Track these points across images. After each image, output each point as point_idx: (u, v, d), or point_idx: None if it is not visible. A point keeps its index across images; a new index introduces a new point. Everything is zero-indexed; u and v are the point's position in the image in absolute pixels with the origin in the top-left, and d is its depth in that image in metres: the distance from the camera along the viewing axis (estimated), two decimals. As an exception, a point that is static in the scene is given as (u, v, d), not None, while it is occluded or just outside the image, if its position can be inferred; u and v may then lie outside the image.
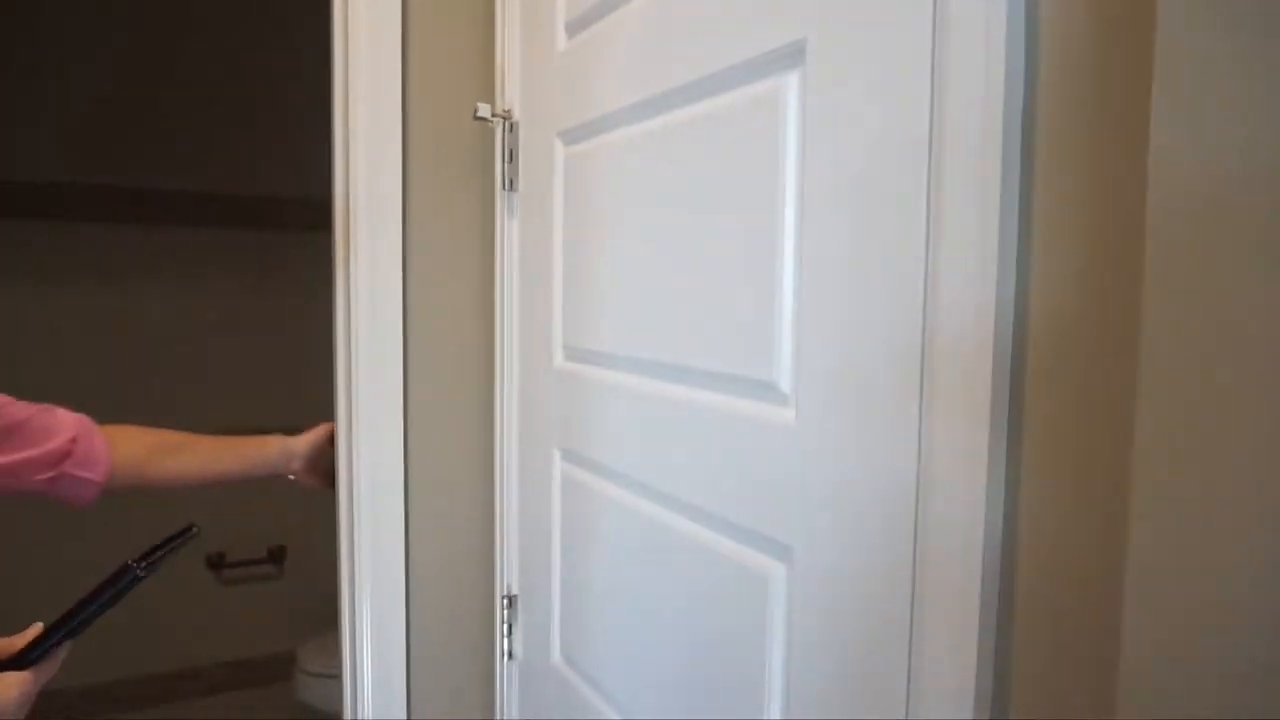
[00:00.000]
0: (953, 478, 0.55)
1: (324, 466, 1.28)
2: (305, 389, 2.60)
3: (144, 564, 0.80)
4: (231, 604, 2.57)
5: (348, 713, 1.29)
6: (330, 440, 1.27)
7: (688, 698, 0.85)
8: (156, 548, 0.84)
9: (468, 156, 1.22)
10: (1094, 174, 0.48)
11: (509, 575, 1.23)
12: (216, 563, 2.53)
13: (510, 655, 1.23)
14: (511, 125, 1.14)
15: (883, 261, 0.60)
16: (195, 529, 0.90)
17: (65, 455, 1.00)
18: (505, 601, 1.22)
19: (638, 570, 0.92)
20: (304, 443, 1.26)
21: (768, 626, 0.73)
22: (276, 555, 2.58)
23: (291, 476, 1.28)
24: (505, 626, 1.23)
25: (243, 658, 2.59)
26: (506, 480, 1.21)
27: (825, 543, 0.66)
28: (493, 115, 1.14)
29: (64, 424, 1.02)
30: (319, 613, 2.62)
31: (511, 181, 1.16)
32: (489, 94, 1.18)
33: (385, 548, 1.23)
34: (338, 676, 2.23)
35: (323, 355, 2.72)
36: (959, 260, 0.54)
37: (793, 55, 0.67)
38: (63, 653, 0.81)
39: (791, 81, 0.67)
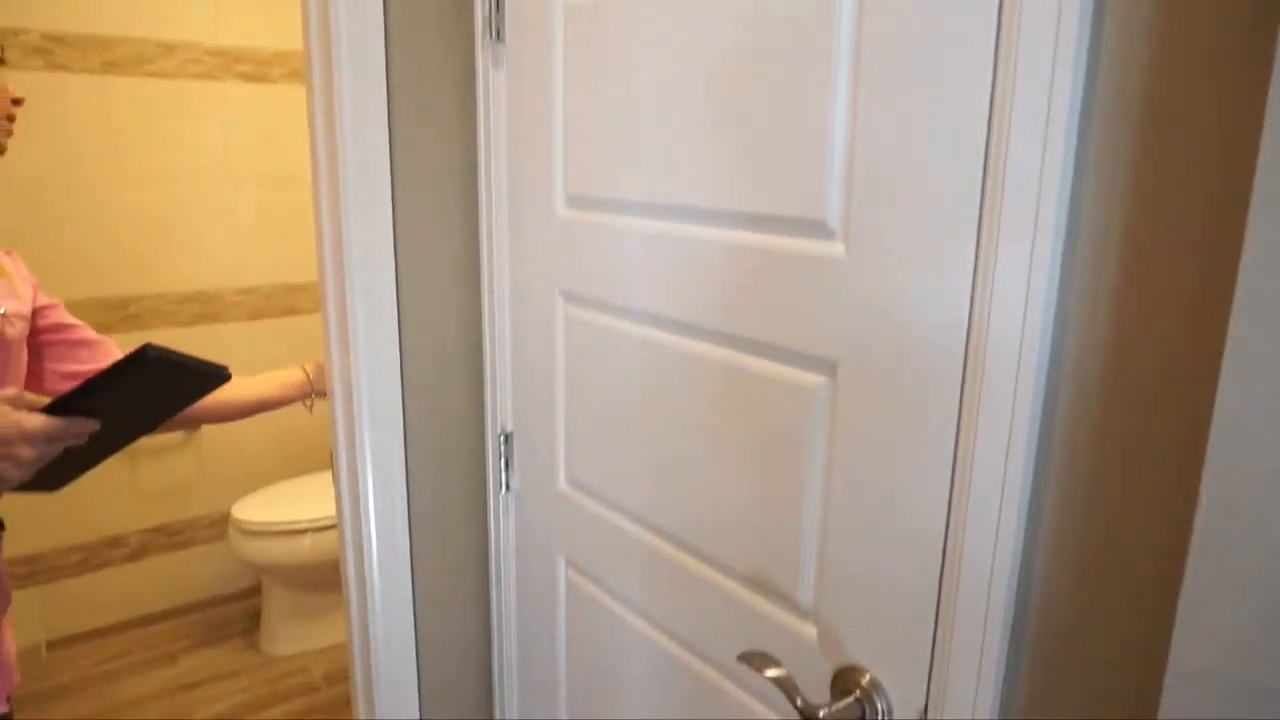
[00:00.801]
0: (1010, 288, 0.66)
1: None
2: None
3: (161, 351, 0.87)
4: (147, 476, 2.53)
5: (349, 555, 1.36)
6: None
7: (718, 503, 0.98)
8: (187, 357, 0.90)
9: (447, 5, 1.20)
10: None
11: (502, 414, 1.31)
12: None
13: (508, 488, 1.33)
14: (497, -28, 1.14)
15: (945, 99, 0.69)
16: (227, 370, 0.96)
17: None
18: (502, 438, 1.31)
19: (661, 396, 1.03)
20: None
21: (807, 433, 0.86)
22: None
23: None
24: (503, 462, 1.32)
25: (164, 523, 2.58)
26: (498, 324, 1.27)
27: (870, 357, 0.78)
28: (478, -39, 1.13)
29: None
30: (237, 479, 2.63)
31: (498, 31, 1.16)
32: (468, -62, 1.16)
33: (383, 391, 1.28)
34: (280, 533, 2.29)
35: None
36: (1027, 90, 0.64)
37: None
38: (85, 426, 0.91)
39: (849, -58, 0.74)
